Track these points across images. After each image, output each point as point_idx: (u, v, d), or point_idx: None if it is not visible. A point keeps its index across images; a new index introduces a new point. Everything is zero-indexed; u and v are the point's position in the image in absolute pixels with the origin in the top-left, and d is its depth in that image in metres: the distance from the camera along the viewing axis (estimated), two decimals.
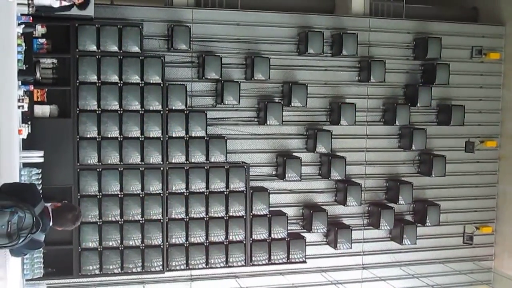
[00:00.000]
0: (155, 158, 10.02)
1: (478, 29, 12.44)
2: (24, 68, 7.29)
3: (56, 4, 8.24)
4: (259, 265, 10.81)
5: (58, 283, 9.97)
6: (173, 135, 10.13)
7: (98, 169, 9.78)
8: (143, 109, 9.94)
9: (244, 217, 10.56)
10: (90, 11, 8.96)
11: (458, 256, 12.61)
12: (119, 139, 9.86)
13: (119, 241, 9.96)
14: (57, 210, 5.16)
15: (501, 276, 12.65)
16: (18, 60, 6.90)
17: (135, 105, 9.90)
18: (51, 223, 5.08)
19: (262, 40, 11.05)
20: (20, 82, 7.37)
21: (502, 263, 12.73)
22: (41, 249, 5.74)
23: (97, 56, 9.67)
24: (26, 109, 7.47)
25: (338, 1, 12.06)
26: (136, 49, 9.85)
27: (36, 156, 7.86)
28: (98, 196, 9.82)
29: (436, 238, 12.34)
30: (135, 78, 9.89)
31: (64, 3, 8.34)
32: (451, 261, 12.52)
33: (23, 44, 7.16)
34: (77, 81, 9.58)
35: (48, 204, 5.17)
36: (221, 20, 10.86)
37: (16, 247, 4.83)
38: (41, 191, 7.75)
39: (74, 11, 8.58)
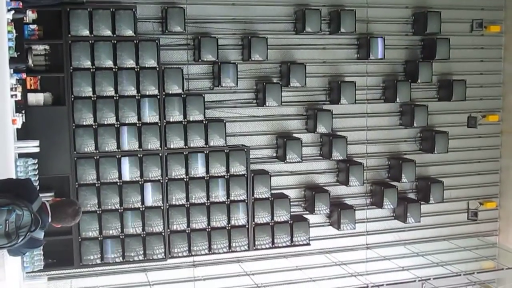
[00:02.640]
0: (153, 144, 9.84)
1: (477, 2, 12.22)
2: (16, 56, 7.11)
3: None
4: (262, 249, 10.69)
5: (59, 274, 9.85)
6: (171, 120, 9.95)
7: (95, 157, 9.60)
8: (139, 94, 9.74)
9: (246, 201, 10.42)
10: None
11: (463, 232, 12.52)
12: (116, 125, 9.66)
13: (119, 230, 9.82)
14: (55, 205, 4.95)
15: (506, 251, 12.56)
16: (9, 47, 6.73)
17: (131, 90, 9.70)
18: (49, 219, 4.87)
19: (259, 20, 10.84)
20: (12, 70, 7.21)
21: (507, 238, 12.66)
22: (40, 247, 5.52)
23: (90, 41, 9.45)
24: (19, 98, 7.33)
25: None
26: (130, 32, 9.63)
27: (32, 146, 7.67)
28: (96, 185, 9.65)
29: (440, 215, 12.26)
30: (130, 63, 9.67)
31: None
32: (455, 237, 12.42)
33: (14, 31, 6.97)
34: (71, 68, 9.36)
35: (46, 200, 4.96)
36: (216, 0, 10.62)
37: (15, 247, 4.62)
38: (38, 182, 7.60)
39: None
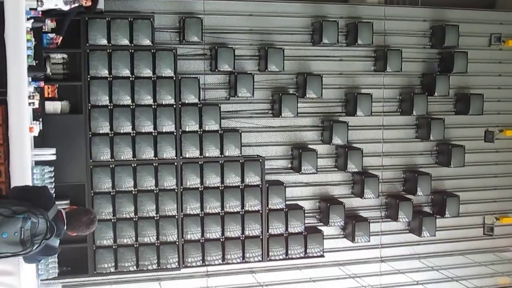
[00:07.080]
0: (168, 153, 9.86)
1: (495, 16, 12.17)
2: (34, 64, 7.17)
3: (66, 9, 8.12)
4: (276, 260, 10.65)
5: (73, 282, 9.85)
6: (187, 129, 9.97)
7: (111, 166, 9.63)
8: (155, 103, 9.77)
9: (260, 211, 10.39)
10: (100, 4, 8.78)
11: (478, 247, 12.39)
12: (132, 134, 9.70)
13: (134, 238, 9.83)
14: (71, 213, 4.97)
15: None
16: (28, 56, 6.79)
17: (148, 100, 9.73)
18: (65, 227, 4.89)
19: (276, 31, 10.86)
20: (30, 78, 7.26)
21: None
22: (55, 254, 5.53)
23: (108, 50, 9.51)
24: (37, 106, 7.38)
25: None
26: (147, 42, 9.68)
27: (48, 154, 7.72)
28: (111, 193, 9.67)
29: (455, 230, 12.14)
30: (147, 72, 9.72)
31: (74, 5, 8.25)
32: (471, 252, 12.31)
33: (33, 40, 7.04)
34: (88, 76, 9.42)
35: (62, 208, 4.98)
36: (233, 11, 10.67)
37: (30, 255, 4.64)
38: (54, 190, 7.63)
39: None
